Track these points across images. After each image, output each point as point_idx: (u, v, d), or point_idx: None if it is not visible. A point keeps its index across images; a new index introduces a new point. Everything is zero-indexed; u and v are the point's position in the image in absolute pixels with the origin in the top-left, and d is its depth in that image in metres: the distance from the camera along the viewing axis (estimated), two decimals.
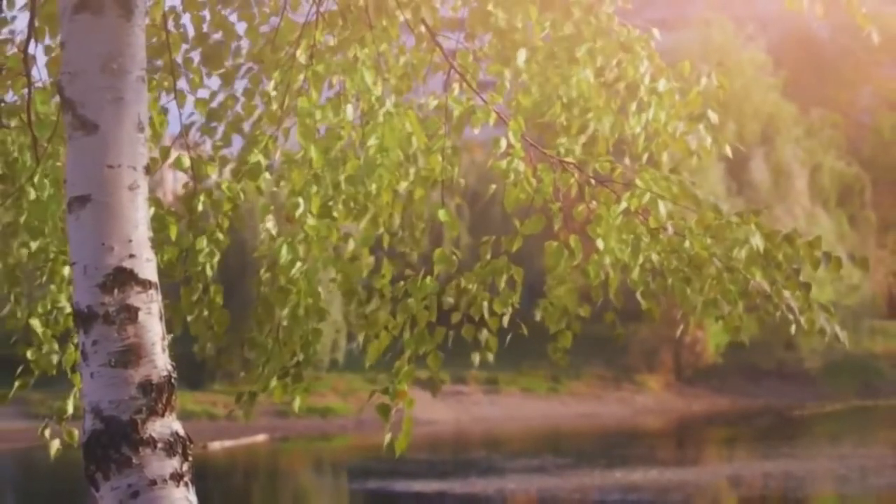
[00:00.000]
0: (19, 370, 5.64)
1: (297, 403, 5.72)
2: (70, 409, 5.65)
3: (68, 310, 5.57)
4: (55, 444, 5.70)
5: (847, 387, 46.32)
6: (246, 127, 5.49)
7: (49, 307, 5.65)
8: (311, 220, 5.39)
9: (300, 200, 5.25)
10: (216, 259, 5.49)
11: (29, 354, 5.63)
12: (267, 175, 5.36)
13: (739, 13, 53.31)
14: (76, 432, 5.53)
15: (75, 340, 5.42)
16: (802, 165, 51.28)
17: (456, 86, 5.47)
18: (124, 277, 3.71)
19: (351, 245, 5.51)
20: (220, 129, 5.54)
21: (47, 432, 5.71)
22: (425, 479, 25.85)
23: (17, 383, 5.64)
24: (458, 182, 5.47)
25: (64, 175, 3.97)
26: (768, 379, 47.05)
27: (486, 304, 5.35)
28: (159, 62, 5.43)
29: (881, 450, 31.04)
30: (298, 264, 5.41)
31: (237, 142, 5.59)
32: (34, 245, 5.57)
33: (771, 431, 36.38)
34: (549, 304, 5.48)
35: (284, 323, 5.55)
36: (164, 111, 5.56)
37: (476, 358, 5.38)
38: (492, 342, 5.42)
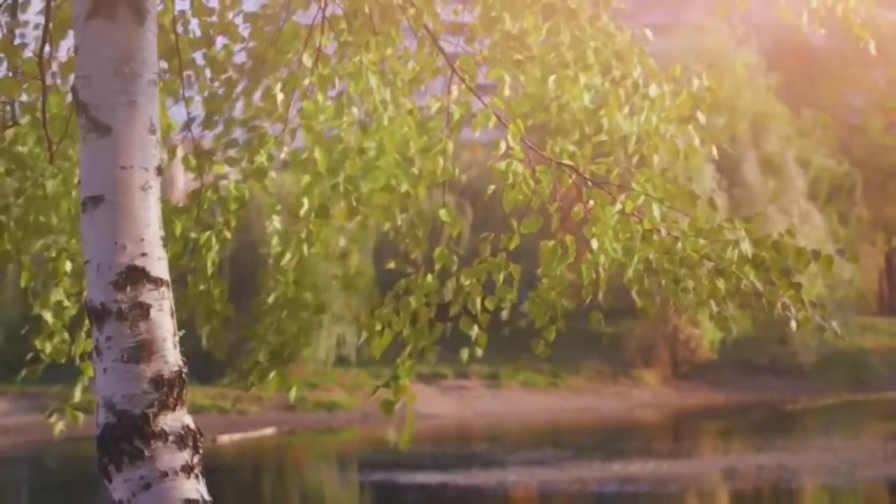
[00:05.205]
0: (28, 357, 5.74)
1: (292, 393, 5.83)
2: (78, 396, 5.75)
3: (66, 304, 5.67)
4: (60, 425, 5.80)
5: (839, 382, 46.33)
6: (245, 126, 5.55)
7: (59, 298, 5.73)
8: (312, 218, 5.50)
9: (304, 200, 5.35)
10: (216, 253, 5.55)
11: (38, 343, 5.72)
12: (273, 174, 5.45)
13: (734, 18, 53.19)
14: (80, 415, 5.64)
15: (84, 330, 5.54)
16: (794, 163, 51.27)
17: (455, 88, 5.55)
18: (137, 275, 3.77)
19: (342, 243, 5.61)
20: (221, 123, 5.60)
21: (54, 417, 5.84)
22: (428, 471, 25.85)
23: (24, 370, 5.74)
24: (459, 180, 5.55)
25: (76, 175, 4.03)
26: (762, 374, 47.04)
27: (478, 300, 5.45)
28: (166, 66, 5.49)
29: (871, 442, 31.09)
30: (287, 256, 5.51)
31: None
32: (39, 242, 5.65)
33: (765, 425, 36.40)
34: (535, 296, 5.58)
35: (284, 315, 5.66)
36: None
37: (465, 353, 5.47)
38: (481, 338, 5.51)
